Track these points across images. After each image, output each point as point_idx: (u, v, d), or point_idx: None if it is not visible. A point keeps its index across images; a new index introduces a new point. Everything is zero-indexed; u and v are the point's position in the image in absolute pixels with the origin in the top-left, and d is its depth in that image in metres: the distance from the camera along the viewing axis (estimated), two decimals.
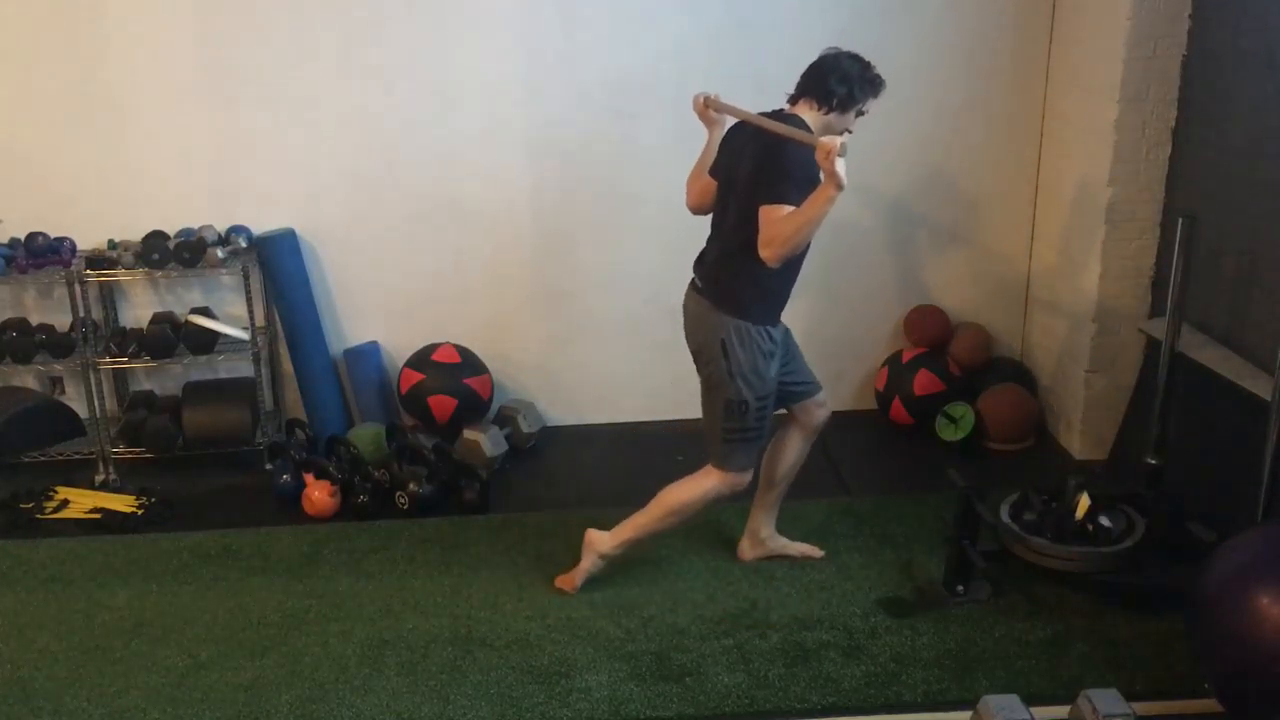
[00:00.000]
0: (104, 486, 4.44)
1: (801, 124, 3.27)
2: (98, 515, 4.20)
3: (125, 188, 4.58)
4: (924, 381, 4.66)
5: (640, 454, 4.65)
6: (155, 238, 4.47)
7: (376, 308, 4.81)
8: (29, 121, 4.49)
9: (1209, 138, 3.92)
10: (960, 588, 3.50)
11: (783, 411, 3.62)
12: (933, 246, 4.83)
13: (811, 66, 3.38)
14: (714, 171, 3.50)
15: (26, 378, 4.69)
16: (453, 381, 4.63)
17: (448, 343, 4.74)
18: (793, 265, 3.30)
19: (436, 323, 4.79)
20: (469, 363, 4.70)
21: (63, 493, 4.36)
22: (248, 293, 4.52)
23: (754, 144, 3.27)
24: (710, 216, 3.51)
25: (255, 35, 4.44)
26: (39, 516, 4.23)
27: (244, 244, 4.56)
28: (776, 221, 3.12)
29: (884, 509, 4.06)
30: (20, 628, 3.52)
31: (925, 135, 4.67)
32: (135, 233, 4.55)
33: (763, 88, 4.56)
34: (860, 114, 3.39)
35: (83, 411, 4.48)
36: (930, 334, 4.80)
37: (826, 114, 3.32)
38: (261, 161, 4.59)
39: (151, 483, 4.43)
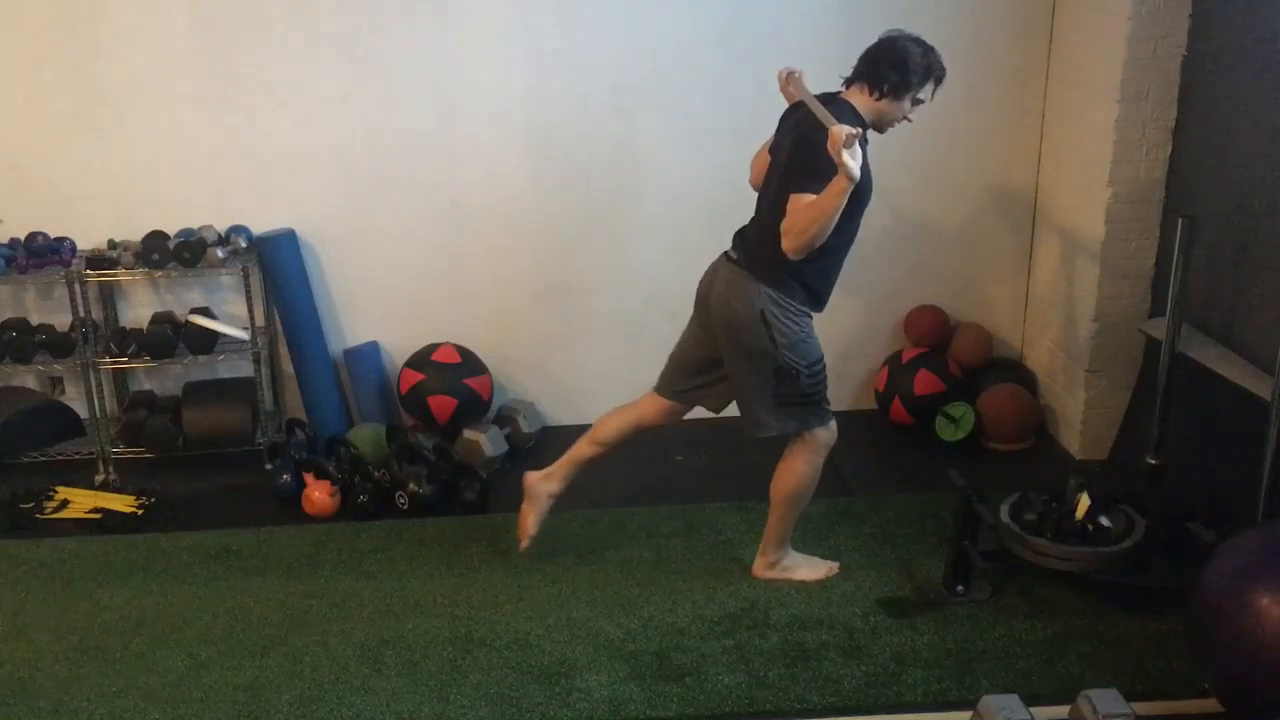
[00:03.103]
0: (104, 486, 4.43)
1: (849, 109, 3.18)
2: (98, 515, 4.20)
3: (125, 188, 4.58)
4: (924, 381, 4.66)
5: (640, 454, 4.63)
6: (155, 238, 4.47)
7: (376, 308, 4.81)
8: (29, 121, 4.49)
9: (1209, 138, 3.92)
10: (960, 588, 3.50)
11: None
12: (933, 246, 4.83)
13: (869, 49, 3.27)
14: (771, 149, 3.44)
15: (26, 378, 4.69)
16: (453, 381, 4.63)
17: (448, 343, 4.74)
18: (829, 259, 3.26)
19: (436, 323, 4.79)
20: (469, 363, 4.70)
21: (63, 493, 4.36)
22: (248, 293, 4.52)
23: (798, 128, 3.21)
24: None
25: (255, 35, 4.44)
26: (39, 516, 4.23)
27: (244, 244, 4.55)
28: (796, 211, 3.09)
29: (884, 509, 4.06)
30: (20, 628, 3.52)
31: (925, 135, 4.65)
32: (135, 233, 4.55)
33: (763, 87, 4.58)
34: (918, 102, 3.27)
35: (83, 411, 4.48)
36: (930, 334, 4.80)
37: (878, 100, 3.23)
38: (261, 161, 4.59)
39: (151, 483, 4.43)
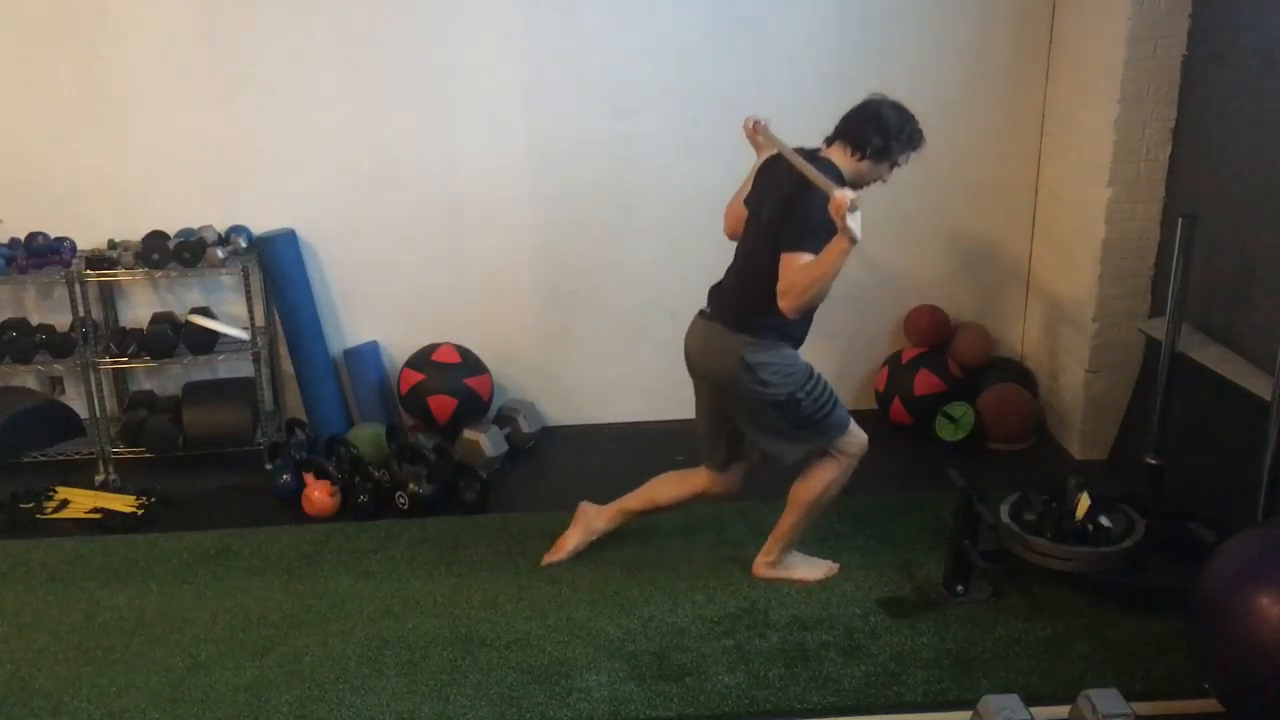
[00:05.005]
0: (104, 486, 4.43)
1: (832, 168, 3.22)
2: (98, 515, 4.20)
3: (125, 188, 4.58)
4: (924, 381, 4.66)
5: (640, 454, 4.64)
6: (155, 238, 4.47)
7: (376, 308, 4.81)
8: (29, 121, 4.49)
9: (1209, 138, 3.92)
10: (960, 588, 3.50)
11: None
12: (933, 246, 4.83)
13: (852, 110, 3.33)
14: (747, 201, 3.45)
15: (26, 378, 4.69)
16: (453, 381, 4.63)
17: (448, 343, 4.74)
18: (812, 309, 3.27)
19: (436, 323, 4.79)
20: (469, 363, 4.70)
21: (63, 493, 4.36)
22: (248, 293, 4.52)
23: (784, 183, 3.23)
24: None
25: (255, 35, 4.44)
26: (39, 516, 4.23)
27: (244, 244, 4.56)
28: (794, 270, 3.09)
29: (884, 509, 4.06)
30: (20, 628, 3.52)
31: (926, 135, 4.65)
32: (135, 233, 4.55)
33: (764, 87, 4.60)
34: (895, 166, 3.34)
35: (83, 411, 4.48)
36: (930, 334, 4.80)
37: (859, 161, 3.28)
38: (261, 161, 4.59)
39: (151, 483, 4.43)
